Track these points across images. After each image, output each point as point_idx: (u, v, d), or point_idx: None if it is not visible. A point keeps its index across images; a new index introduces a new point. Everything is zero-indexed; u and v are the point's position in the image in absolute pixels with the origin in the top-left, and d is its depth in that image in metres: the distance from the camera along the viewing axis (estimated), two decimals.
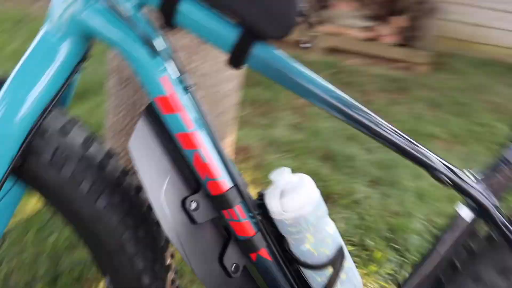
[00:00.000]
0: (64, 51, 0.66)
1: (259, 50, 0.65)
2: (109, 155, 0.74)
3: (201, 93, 1.30)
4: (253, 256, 0.73)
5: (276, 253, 0.74)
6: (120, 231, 0.73)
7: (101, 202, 0.71)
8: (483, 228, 0.75)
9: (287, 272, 0.75)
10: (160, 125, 0.68)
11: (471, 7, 3.96)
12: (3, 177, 0.66)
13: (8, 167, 0.66)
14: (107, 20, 0.64)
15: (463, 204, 0.74)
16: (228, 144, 1.56)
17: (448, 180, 0.70)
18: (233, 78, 1.41)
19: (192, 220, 0.69)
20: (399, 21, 3.77)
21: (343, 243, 0.75)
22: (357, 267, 0.79)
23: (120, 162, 0.77)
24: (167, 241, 0.79)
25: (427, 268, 0.77)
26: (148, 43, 0.63)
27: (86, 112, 2.12)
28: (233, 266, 0.73)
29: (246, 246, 0.73)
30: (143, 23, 0.65)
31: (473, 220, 0.74)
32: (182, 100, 0.67)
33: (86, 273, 1.25)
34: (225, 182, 0.69)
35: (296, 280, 0.76)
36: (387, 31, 3.75)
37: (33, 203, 1.47)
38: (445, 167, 0.70)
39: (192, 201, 0.69)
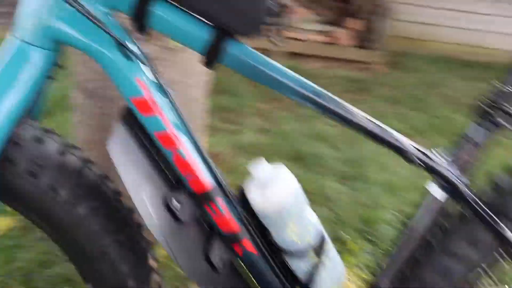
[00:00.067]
0: (34, 58, 0.65)
1: (232, 48, 0.67)
2: (86, 161, 0.74)
3: None
4: (238, 250, 0.74)
5: (261, 245, 0.75)
6: (101, 237, 0.72)
7: (80, 209, 0.70)
8: (454, 205, 0.79)
9: (273, 264, 0.77)
10: (137, 126, 0.69)
11: (420, 6, 4.14)
12: None
13: None
14: (78, 25, 0.64)
15: (434, 184, 0.78)
16: None
17: (419, 162, 0.74)
18: (201, 84, 1.42)
19: (176, 218, 0.70)
20: (354, 24, 3.90)
21: (324, 230, 0.77)
22: None
23: None
24: (149, 243, 0.79)
25: (404, 249, 0.80)
26: (122, 45, 0.64)
27: (55, 127, 2.07)
28: (220, 262, 0.74)
29: (231, 241, 0.74)
30: (115, 26, 0.66)
31: (444, 199, 0.77)
32: (159, 100, 0.67)
33: None
34: (206, 178, 0.70)
35: (282, 271, 0.78)
36: (344, 34, 3.86)
37: (2, 221, 1.43)
38: (416, 149, 0.74)
39: (174, 199, 0.70)
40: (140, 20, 0.65)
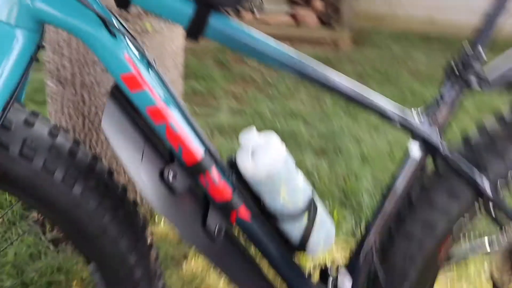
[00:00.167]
0: (19, 40, 0.64)
1: (215, 21, 0.68)
2: (77, 142, 0.74)
3: None
4: (233, 217, 0.77)
5: (254, 212, 0.78)
6: (100, 215, 0.73)
7: (77, 189, 0.71)
8: (432, 162, 0.84)
9: (267, 230, 0.80)
10: (128, 103, 0.70)
11: None
12: None
13: None
14: (61, 4, 0.63)
15: (413, 143, 0.82)
16: None
17: (398, 122, 0.78)
18: (177, 66, 1.43)
19: (172, 190, 0.72)
20: (319, 4, 3.94)
21: (313, 193, 0.81)
22: None
23: None
24: (145, 219, 0.81)
25: (388, 207, 0.84)
26: (107, 22, 0.64)
27: None
28: (216, 230, 0.76)
29: (226, 209, 0.76)
30: (97, 3, 0.66)
31: (422, 156, 0.82)
32: (147, 76, 0.68)
33: (57, 277, 1.23)
34: (198, 149, 0.72)
35: (276, 236, 0.81)
36: (309, 14, 3.90)
37: None
38: (393, 109, 0.77)
39: (169, 172, 0.72)
40: None
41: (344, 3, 3.84)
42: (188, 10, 0.68)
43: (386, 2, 4.23)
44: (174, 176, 0.72)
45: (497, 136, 0.82)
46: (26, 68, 0.67)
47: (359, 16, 4.04)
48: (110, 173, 0.77)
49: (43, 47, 0.69)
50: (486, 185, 0.79)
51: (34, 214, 1.45)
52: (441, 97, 0.81)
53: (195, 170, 0.73)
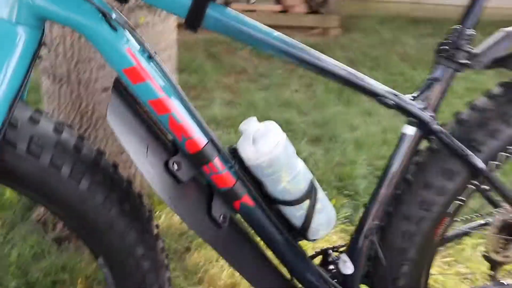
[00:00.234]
0: (22, 38, 0.64)
1: (213, 11, 0.70)
2: (81, 137, 0.76)
3: None
4: (236, 204, 0.79)
5: (257, 198, 0.80)
6: (107, 208, 0.74)
7: (84, 183, 0.72)
8: (426, 141, 0.86)
9: (270, 215, 0.82)
10: (130, 96, 0.71)
11: None
12: None
13: None
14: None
15: (408, 125, 0.84)
16: None
17: (392, 102, 0.79)
18: (171, 58, 1.44)
19: (177, 180, 0.74)
20: None
21: (313, 177, 0.83)
22: None
23: None
24: (150, 211, 0.82)
25: (385, 188, 0.86)
26: (107, 16, 0.65)
27: None
28: (221, 217, 0.78)
29: (229, 197, 0.78)
30: None
31: (417, 136, 0.84)
32: (148, 68, 0.70)
33: (61, 276, 1.24)
34: (201, 139, 0.73)
35: (279, 221, 0.83)
36: (296, 2, 3.90)
37: None
38: (388, 91, 0.79)
39: (173, 162, 0.73)
40: None
41: None
42: (187, 1, 0.69)
43: None
44: (179, 166, 0.74)
45: (489, 114, 0.84)
46: (30, 65, 0.67)
47: (347, 1, 4.05)
48: (115, 166, 0.79)
49: (44, 44, 0.69)
50: (480, 163, 0.81)
51: (36, 214, 1.46)
52: (434, 77, 0.83)
53: (198, 159, 0.74)
